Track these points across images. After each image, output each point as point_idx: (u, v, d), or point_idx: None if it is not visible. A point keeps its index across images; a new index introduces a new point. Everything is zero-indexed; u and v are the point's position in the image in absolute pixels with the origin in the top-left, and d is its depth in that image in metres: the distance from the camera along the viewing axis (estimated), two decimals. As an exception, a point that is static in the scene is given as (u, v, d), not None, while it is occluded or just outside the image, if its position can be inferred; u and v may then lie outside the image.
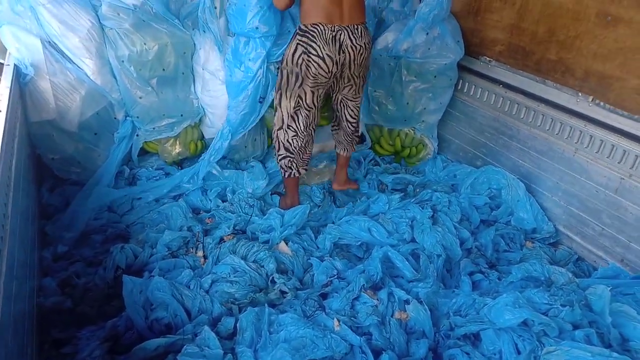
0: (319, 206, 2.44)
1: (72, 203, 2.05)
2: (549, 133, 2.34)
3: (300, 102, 2.08)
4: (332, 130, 2.47)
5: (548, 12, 2.27)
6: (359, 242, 2.15)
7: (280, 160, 2.25)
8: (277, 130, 2.20)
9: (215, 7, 2.23)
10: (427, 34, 2.55)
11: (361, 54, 2.04)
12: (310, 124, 2.17)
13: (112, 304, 1.62)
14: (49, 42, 2.09)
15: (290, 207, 2.28)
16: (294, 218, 2.17)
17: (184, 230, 2.06)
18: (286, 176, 2.28)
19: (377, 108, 2.79)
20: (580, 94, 2.18)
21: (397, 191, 2.61)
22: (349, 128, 2.33)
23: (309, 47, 1.95)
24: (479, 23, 2.67)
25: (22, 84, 1.99)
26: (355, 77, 2.13)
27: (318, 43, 1.93)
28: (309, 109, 2.11)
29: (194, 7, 2.42)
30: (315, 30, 1.93)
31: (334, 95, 2.25)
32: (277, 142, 2.23)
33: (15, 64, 1.96)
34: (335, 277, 1.92)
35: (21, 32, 2.05)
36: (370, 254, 2.06)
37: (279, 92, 2.11)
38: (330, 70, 1.99)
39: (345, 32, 1.96)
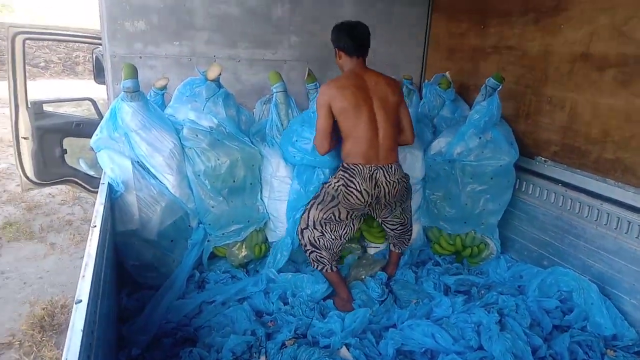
0: (380, 302, 2.43)
1: (147, 307, 2.19)
2: (617, 232, 2.26)
3: (333, 217, 2.38)
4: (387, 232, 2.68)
5: (598, 114, 2.32)
6: (423, 349, 2.08)
7: (309, 254, 2.46)
8: (303, 229, 2.47)
9: (282, 126, 2.50)
10: (480, 138, 2.66)
11: (394, 187, 2.33)
12: (339, 231, 2.41)
13: (180, 410, 1.66)
14: (138, 161, 2.40)
15: (346, 301, 2.40)
16: (354, 322, 2.18)
17: (248, 335, 2.11)
18: (319, 270, 2.45)
19: (436, 211, 2.84)
20: (644, 192, 2.13)
21: (460, 293, 2.54)
22: (393, 233, 2.61)
23: (348, 182, 2.29)
24: (531, 125, 2.76)
25: (113, 199, 2.27)
26: (390, 204, 2.42)
27: (358, 180, 2.27)
28: (340, 221, 2.39)
29: (262, 125, 2.73)
30: (356, 169, 2.28)
31: (375, 215, 2.52)
32: (302, 240, 2.48)
33: (109, 182, 2.25)
34: (399, 387, 1.86)
35: (115, 154, 2.38)
36: (435, 362, 1.98)
37: (313, 202, 2.43)
38: (365, 201, 2.30)
39: (381, 171, 2.28)
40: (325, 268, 2.43)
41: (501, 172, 2.69)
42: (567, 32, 2.46)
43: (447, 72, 3.25)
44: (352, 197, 2.28)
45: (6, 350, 2.79)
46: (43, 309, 3.11)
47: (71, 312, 3.14)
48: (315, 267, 2.46)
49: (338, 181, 2.32)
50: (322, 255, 2.42)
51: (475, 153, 2.68)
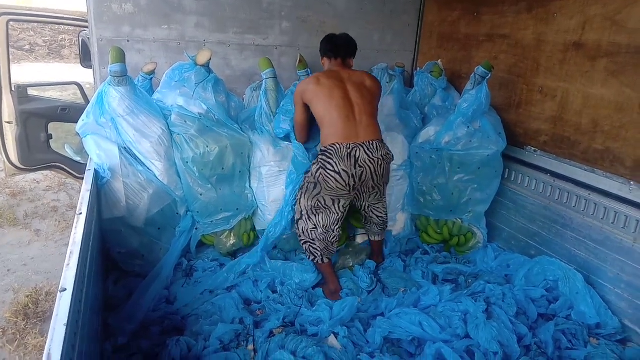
0: (369, 292, 2.43)
1: (133, 295, 2.17)
2: (603, 222, 2.28)
3: (320, 204, 2.33)
4: (364, 225, 2.68)
5: (589, 104, 2.32)
6: (411, 337, 2.09)
7: (302, 244, 2.46)
8: (298, 219, 2.46)
9: (271, 113, 2.47)
10: (468, 127, 2.66)
11: (380, 165, 2.28)
12: (330, 225, 2.38)
13: (166, 399, 1.65)
14: (125, 147, 2.36)
15: (334, 293, 2.40)
16: (342, 311, 2.18)
17: (236, 323, 2.10)
18: (311, 260, 2.45)
19: (422, 199, 2.85)
20: (632, 183, 2.15)
21: (448, 282, 2.56)
22: (379, 220, 2.59)
23: (325, 164, 2.23)
24: (521, 115, 2.76)
25: (99, 186, 2.23)
26: (379, 185, 2.40)
27: (335, 160, 2.20)
28: (332, 212, 2.35)
29: (251, 113, 2.69)
30: (333, 149, 2.22)
31: (360, 203, 2.52)
32: (298, 230, 2.47)
33: (95, 169, 2.21)
34: (387, 375, 1.87)
35: (102, 140, 2.34)
36: (422, 350, 2.00)
37: (300, 192, 2.43)
38: (347, 183, 2.23)
39: (362, 148, 2.23)
40: (317, 259, 2.42)
41: (489, 161, 2.69)
42: (561, 20, 2.45)
43: (439, 60, 3.23)
44: (331, 180, 2.22)
45: (-10, 338, 2.76)
46: (27, 296, 3.07)
47: (56, 300, 3.10)
48: (308, 257, 2.46)
49: (317, 165, 2.28)
50: (315, 247, 2.41)
51: (463, 142, 2.67)
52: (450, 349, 1.92)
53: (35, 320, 2.89)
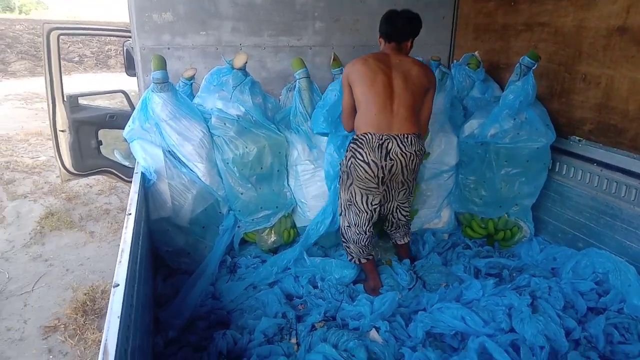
0: (409, 289, 2.43)
1: (181, 291, 2.27)
2: (656, 212, 2.18)
3: (352, 198, 2.32)
4: (388, 231, 2.62)
5: (636, 90, 2.23)
6: (453, 332, 2.08)
7: (343, 244, 2.48)
8: (340, 215, 2.47)
9: (306, 112, 2.51)
10: (515, 119, 2.59)
11: (412, 160, 2.21)
12: (362, 225, 2.36)
13: (215, 389, 1.72)
14: (169, 151, 2.47)
15: (374, 290, 2.40)
16: (383, 305, 2.19)
17: (279, 317, 2.16)
18: (350, 261, 2.46)
19: (469, 195, 2.80)
20: (685, 170, 2.04)
21: (491, 276, 2.52)
22: (405, 220, 2.54)
23: (356, 153, 2.20)
24: (564, 104, 2.67)
25: (146, 188, 2.34)
26: (408, 181, 2.33)
27: (366, 149, 2.15)
28: (360, 210, 2.31)
29: (287, 113, 2.74)
30: (365, 139, 2.17)
31: (389, 205, 2.44)
32: (340, 227, 2.48)
33: (142, 172, 2.33)
34: (429, 368, 1.87)
35: (147, 144, 2.45)
36: (465, 345, 1.98)
37: (339, 185, 2.41)
38: (376, 175, 2.18)
39: (395, 140, 2.15)
40: (354, 260, 2.44)
41: (537, 154, 2.62)
42: (602, 5, 2.35)
43: (476, 52, 3.17)
44: (360, 169, 2.18)
45: (52, 333, 2.95)
46: (85, 294, 3.26)
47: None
48: (349, 259, 2.49)
49: (348, 153, 2.24)
50: (350, 249, 2.44)
51: (511, 135, 2.61)
52: (494, 343, 1.90)
53: (93, 317, 3.07)
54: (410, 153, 2.19)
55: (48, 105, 3.44)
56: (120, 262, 1.46)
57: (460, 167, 2.82)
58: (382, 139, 2.15)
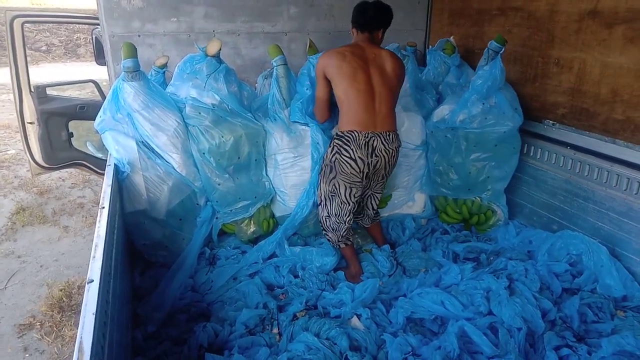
0: (390, 275, 2.45)
1: (160, 284, 2.23)
2: (627, 193, 2.23)
3: (335, 190, 2.37)
4: (356, 217, 2.65)
5: (608, 74, 2.26)
6: (433, 316, 2.11)
7: (322, 230, 2.55)
8: (318, 205, 2.53)
9: (283, 100, 2.48)
10: (483, 104, 2.62)
11: (393, 156, 2.33)
12: (343, 216, 2.41)
13: (196, 383, 1.71)
14: (142, 142, 2.40)
15: (355, 276, 2.43)
16: (364, 292, 2.20)
17: (260, 308, 2.15)
18: (332, 245, 2.52)
19: (439, 179, 2.83)
20: (655, 152, 2.09)
21: (469, 260, 2.55)
22: (372, 213, 2.62)
23: (341, 150, 2.25)
24: (538, 88, 2.70)
25: (120, 180, 2.29)
26: (387, 176, 2.45)
27: (352, 147, 2.21)
28: (343, 202, 2.36)
29: (263, 101, 2.70)
30: (351, 137, 2.22)
31: (365, 192, 2.51)
32: (319, 215, 2.54)
33: (115, 164, 2.26)
34: (411, 354, 1.89)
35: (120, 135, 2.39)
36: (445, 329, 2.01)
37: (319, 178, 2.47)
38: (361, 170, 2.26)
39: (379, 138, 2.23)
40: (335, 246, 2.50)
41: (506, 138, 2.65)
42: (575, -11, 2.38)
43: (451, 37, 3.18)
44: (346, 165, 2.25)
45: (28, 331, 2.88)
46: (60, 290, 3.19)
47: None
48: (330, 242, 2.54)
49: (332, 150, 2.30)
50: (329, 237, 2.49)
51: (479, 120, 2.63)
52: (473, 326, 1.93)
53: (70, 313, 3.01)
54: (392, 149, 2.29)
55: (14, 96, 3.31)
56: (94, 257, 1.42)
57: (430, 152, 2.84)
58: (367, 137, 2.22)
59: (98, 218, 1.70)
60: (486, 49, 2.66)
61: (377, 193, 2.54)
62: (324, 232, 2.53)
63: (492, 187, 2.77)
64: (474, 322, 1.99)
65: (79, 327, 1.15)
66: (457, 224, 2.93)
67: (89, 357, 1.04)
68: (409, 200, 2.92)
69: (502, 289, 2.12)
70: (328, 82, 2.31)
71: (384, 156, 2.27)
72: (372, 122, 2.23)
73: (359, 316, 2.11)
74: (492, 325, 1.99)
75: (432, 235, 2.83)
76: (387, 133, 2.26)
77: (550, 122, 2.66)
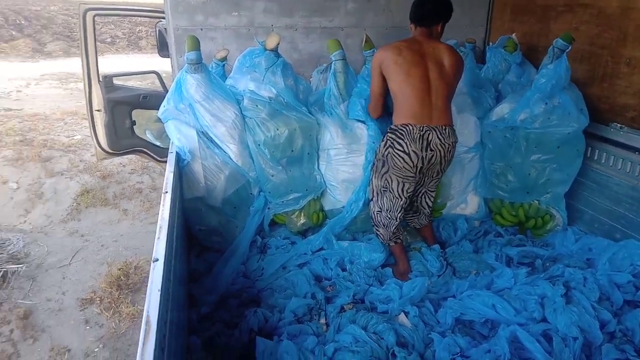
0: (439, 275, 2.42)
1: (214, 268, 2.32)
2: (702, 204, 2.09)
3: (388, 185, 2.34)
4: (408, 219, 2.63)
5: (687, 75, 2.12)
6: (483, 319, 2.07)
7: (373, 227, 2.53)
8: (370, 201, 2.51)
9: (340, 95, 2.50)
10: (546, 103, 2.52)
11: (449, 151, 2.27)
12: (394, 211, 2.38)
13: (247, 364, 1.77)
14: (202, 132, 2.50)
15: (403, 274, 2.42)
16: (412, 290, 2.19)
17: (308, 298, 2.19)
18: (381, 242, 2.49)
19: (495, 181, 2.75)
20: None
21: (523, 265, 2.48)
22: (428, 211, 2.57)
23: (395, 143, 2.23)
24: (606, 89, 2.57)
25: (180, 168, 2.39)
26: (442, 172, 2.39)
27: (406, 140, 2.19)
28: (395, 197, 2.33)
29: (319, 95, 2.73)
30: (405, 130, 2.19)
31: (418, 189, 2.48)
32: (370, 211, 2.51)
33: (177, 152, 2.37)
34: (459, 354, 1.86)
35: (181, 125, 2.49)
36: (495, 332, 1.96)
37: (372, 172, 2.44)
38: (415, 164, 2.22)
39: (434, 132, 2.19)
40: (384, 243, 2.49)
41: (569, 139, 2.54)
42: (653, -16, 2.24)
43: (513, 34, 3.07)
44: (399, 159, 2.22)
45: (89, 305, 3.07)
46: (119, 269, 3.37)
47: (144, 272, 3.39)
48: (379, 239, 2.52)
49: (385, 144, 2.28)
50: (379, 232, 2.47)
51: (541, 120, 2.54)
52: (525, 332, 1.88)
53: (127, 291, 3.18)
54: (449, 144, 2.24)
55: (84, 85, 3.51)
56: (158, 237, 1.50)
57: (486, 152, 2.76)
58: (422, 130, 2.19)
59: (162, 202, 1.80)
60: (551, 47, 2.55)
61: (431, 191, 2.50)
62: (374, 227, 2.51)
63: (552, 190, 2.66)
64: (527, 328, 1.93)
65: (145, 303, 1.22)
66: (511, 227, 2.84)
67: (155, 331, 1.10)
68: (462, 203, 2.86)
69: (558, 296, 2.04)
70: (383, 77, 2.30)
71: (439, 150, 2.22)
72: (428, 116, 2.20)
73: (406, 313, 2.10)
74: (546, 332, 1.92)
75: (484, 238, 2.76)
76: (444, 127, 2.22)
77: (618, 125, 2.52)
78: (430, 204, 2.54)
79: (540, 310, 2.02)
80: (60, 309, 3.06)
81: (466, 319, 2.08)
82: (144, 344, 1.05)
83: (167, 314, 1.37)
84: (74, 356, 2.69)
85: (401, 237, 2.48)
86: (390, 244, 2.46)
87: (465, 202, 2.85)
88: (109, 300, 3.09)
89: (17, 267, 3.33)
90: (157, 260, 1.38)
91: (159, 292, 1.24)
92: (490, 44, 3.25)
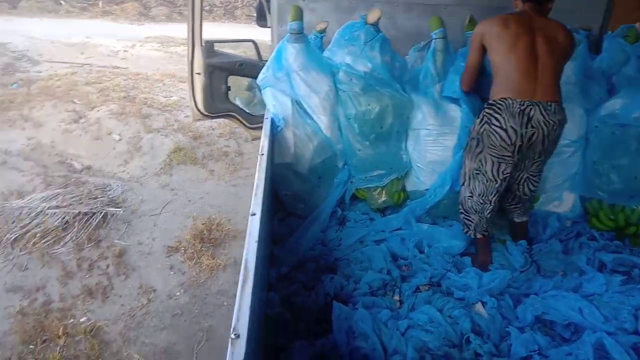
0: (522, 271, 2.32)
1: (295, 233, 2.41)
2: None
3: (481, 167, 2.19)
4: (507, 206, 2.46)
5: None
6: (567, 322, 1.96)
7: (460, 215, 2.39)
8: (461, 185, 2.37)
9: (437, 74, 2.43)
10: (669, 102, 2.29)
11: (555, 130, 2.08)
12: (487, 194, 2.23)
13: (322, 326, 1.83)
14: (297, 101, 2.56)
15: (483, 265, 2.32)
16: (493, 282, 2.13)
17: (384, 273, 2.20)
18: (466, 234, 2.37)
19: (596, 180, 2.56)
20: None
21: (618, 273, 2.30)
22: (531, 196, 2.38)
23: (492, 119, 2.09)
24: None
25: (273, 133, 2.48)
26: (546, 153, 2.21)
27: (504, 115, 2.04)
28: (489, 179, 2.19)
29: (414, 74, 2.68)
30: (503, 104, 2.05)
31: (519, 174, 2.29)
32: (460, 197, 2.39)
33: (272, 118, 2.45)
34: (536, 352, 1.80)
35: (278, 92, 2.57)
36: (579, 337, 1.86)
37: (465, 153, 2.32)
38: (513, 142, 2.06)
39: (538, 108, 2.01)
40: (470, 233, 2.36)
41: (691, 144, 2.30)
42: None
43: (637, 24, 2.79)
44: (495, 136, 2.08)
45: (174, 253, 3.33)
46: (203, 224, 3.61)
47: (224, 230, 3.55)
48: (463, 229, 2.40)
49: (481, 120, 2.15)
50: (469, 219, 2.34)
51: (659, 119, 2.31)
52: (614, 341, 1.76)
53: (208, 245, 3.40)
54: (554, 122, 2.06)
55: (188, 48, 3.71)
56: (255, 194, 1.58)
57: (589, 148, 2.57)
58: (523, 105, 2.03)
59: (258, 162, 1.89)
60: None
61: (534, 176, 2.30)
62: (464, 215, 2.37)
63: (662, 197, 2.44)
64: (615, 337, 1.81)
65: (244, 251, 1.31)
66: (607, 232, 2.64)
67: (252, 275, 1.18)
68: (555, 199, 2.70)
69: (656, 309, 1.89)
70: (483, 51, 2.20)
71: (542, 128, 2.04)
72: (532, 90, 2.03)
73: (484, 303, 2.05)
74: (637, 345, 1.79)
75: (576, 239, 2.58)
76: (549, 103, 2.03)
77: None
78: (533, 190, 2.35)
79: (632, 321, 1.89)
80: (149, 253, 3.35)
81: (548, 318, 1.99)
82: (243, 284, 1.13)
83: (251, 271, 1.46)
84: (159, 296, 2.95)
85: (489, 230, 2.36)
86: (477, 236, 2.34)
87: (559, 198, 2.69)
88: (192, 250, 3.33)
89: (116, 211, 3.68)
90: (254, 214, 1.46)
91: (256, 243, 1.32)
92: (609, 32, 2.98)
